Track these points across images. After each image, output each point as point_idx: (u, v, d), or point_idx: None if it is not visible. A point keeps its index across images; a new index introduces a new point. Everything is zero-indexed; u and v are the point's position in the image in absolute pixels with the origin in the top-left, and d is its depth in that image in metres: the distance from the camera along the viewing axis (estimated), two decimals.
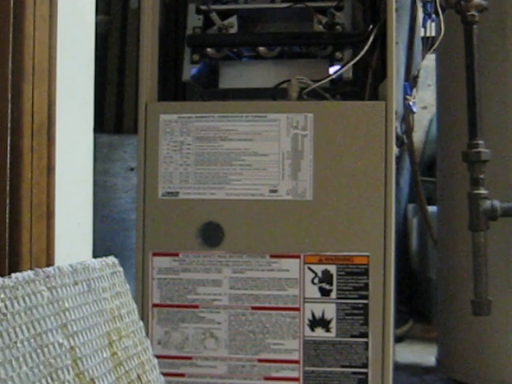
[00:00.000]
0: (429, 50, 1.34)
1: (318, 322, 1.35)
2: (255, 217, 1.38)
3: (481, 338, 1.65)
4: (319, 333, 1.35)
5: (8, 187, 0.93)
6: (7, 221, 0.93)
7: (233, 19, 1.44)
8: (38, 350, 0.81)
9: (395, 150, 1.35)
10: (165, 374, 1.22)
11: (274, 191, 1.38)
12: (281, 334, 1.36)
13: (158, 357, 1.21)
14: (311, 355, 1.35)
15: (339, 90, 1.40)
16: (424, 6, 1.41)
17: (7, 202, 0.93)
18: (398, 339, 2.37)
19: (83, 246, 1.21)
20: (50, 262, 1.00)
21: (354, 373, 1.33)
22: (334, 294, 1.34)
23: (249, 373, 1.36)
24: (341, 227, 1.33)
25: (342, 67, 1.37)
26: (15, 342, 0.77)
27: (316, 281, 1.35)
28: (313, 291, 1.35)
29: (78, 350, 0.89)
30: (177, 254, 1.39)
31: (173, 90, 1.49)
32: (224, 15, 1.45)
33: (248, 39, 1.46)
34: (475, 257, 1.32)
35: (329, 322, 1.34)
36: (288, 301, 1.36)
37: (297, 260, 1.36)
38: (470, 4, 1.40)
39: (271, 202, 1.38)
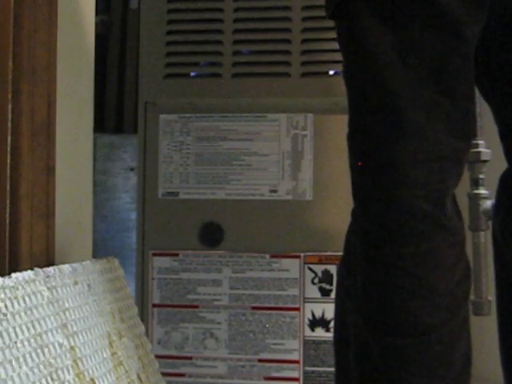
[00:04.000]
0: None
1: (317, 322, 1.35)
2: (255, 217, 1.38)
3: (480, 338, 1.65)
4: (319, 333, 1.35)
5: (8, 187, 0.93)
6: (7, 221, 0.93)
7: None
8: (38, 350, 0.81)
9: None
10: (165, 374, 1.22)
11: (274, 191, 1.38)
12: (281, 334, 1.36)
13: (157, 357, 1.21)
14: (311, 355, 1.35)
15: None
16: None
17: (7, 202, 0.93)
18: None
19: (83, 246, 1.20)
20: (50, 262, 1.00)
21: None
22: (334, 294, 1.34)
23: (249, 373, 1.36)
24: (341, 227, 1.33)
25: None
26: (15, 342, 0.77)
27: (316, 281, 1.36)
28: (313, 291, 1.35)
29: (78, 349, 0.89)
30: (177, 254, 1.39)
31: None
32: None
33: None
34: (475, 257, 1.31)
35: (329, 322, 1.34)
36: (288, 301, 1.36)
37: (297, 260, 1.36)
38: None
39: (271, 201, 1.38)
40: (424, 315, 0.84)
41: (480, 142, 1.34)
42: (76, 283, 0.95)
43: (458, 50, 0.84)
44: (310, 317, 1.35)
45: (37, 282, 0.86)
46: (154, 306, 1.39)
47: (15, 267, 0.92)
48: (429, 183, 0.84)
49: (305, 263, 1.36)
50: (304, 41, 1.39)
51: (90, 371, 0.91)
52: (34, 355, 0.80)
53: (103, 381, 0.93)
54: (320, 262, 1.35)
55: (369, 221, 0.87)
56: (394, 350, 0.84)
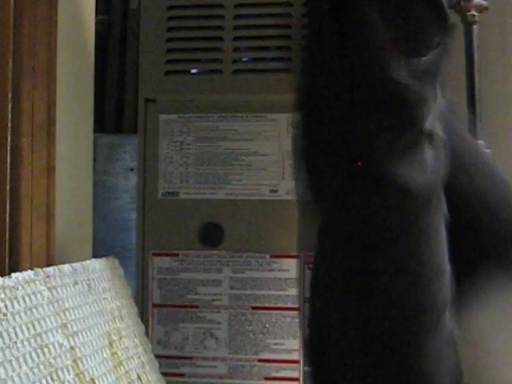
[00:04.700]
0: None
1: None
2: (255, 217, 1.38)
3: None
4: None
5: (8, 187, 0.93)
6: (7, 221, 0.93)
7: None
8: (38, 350, 0.81)
9: None
10: (165, 374, 1.22)
11: (274, 191, 1.38)
12: (281, 333, 1.36)
13: (158, 357, 1.21)
14: None
15: None
16: None
17: (7, 202, 0.93)
18: None
19: (83, 246, 1.21)
20: (50, 262, 1.00)
21: None
22: None
23: (249, 373, 1.36)
24: None
25: None
26: (15, 342, 0.77)
27: None
28: None
29: (78, 349, 0.90)
30: (177, 254, 1.39)
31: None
32: None
33: None
34: None
35: None
36: (288, 301, 1.36)
37: (297, 260, 1.36)
38: (469, 4, 1.40)
39: (271, 201, 1.38)
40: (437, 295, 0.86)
41: (480, 142, 1.34)
42: (76, 283, 0.96)
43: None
44: None
45: (37, 282, 0.86)
46: (154, 305, 1.39)
47: (15, 267, 0.92)
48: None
49: (305, 263, 1.36)
50: (305, 36, 1.39)
51: (90, 371, 0.91)
52: (34, 355, 0.80)
53: (103, 381, 0.93)
54: None
55: (365, 215, 0.87)
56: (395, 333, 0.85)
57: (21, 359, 0.77)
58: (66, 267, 0.95)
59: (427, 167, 0.85)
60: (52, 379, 0.82)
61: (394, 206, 0.84)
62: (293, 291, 1.36)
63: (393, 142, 0.85)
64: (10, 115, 0.93)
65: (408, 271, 0.84)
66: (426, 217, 0.84)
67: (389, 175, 0.84)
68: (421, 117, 0.85)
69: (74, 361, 0.88)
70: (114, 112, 2.13)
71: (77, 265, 0.98)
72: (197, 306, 1.38)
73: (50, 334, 0.85)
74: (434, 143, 0.87)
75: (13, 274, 0.82)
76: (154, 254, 1.40)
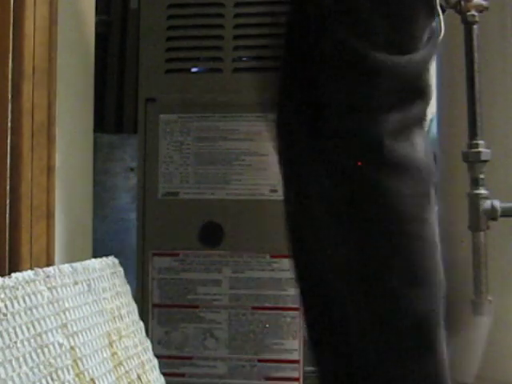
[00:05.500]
0: None
1: None
2: (255, 217, 1.38)
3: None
4: None
5: (8, 187, 0.93)
6: (7, 221, 0.93)
7: None
8: (38, 350, 0.81)
9: None
10: (165, 374, 1.22)
11: (275, 191, 1.38)
12: (281, 334, 1.36)
13: (158, 357, 1.21)
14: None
15: None
16: None
17: (7, 202, 0.93)
18: None
19: (83, 246, 1.21)
20: (49, 262, 1.00)
21: None
22: None
23: (249, 373, 1.36)
24: None
25: None
26: (15, 342, 0.77)
27: None
28: None
29: (78, 349, 0.89)
30: (177, 254, 1.39)
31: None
32: None
33: None
34: (475, 257, 1.31)
35: None
36: (288, 301, 1.36)
37: None
38: (469, 4, 1.40)
39: (271, 201, 1.38)
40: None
41: (480, 142, 1.34)
42: (76, 283, 0.95)
43: None
44: None
45: (37, 282, 0.86)
46: (154, 305, 1.39)
47: (15, 267, 0.92)
48: None
49: None
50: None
51: (90, 371, 0.91)
52: (33, 355, 0.80)
53: (103, 381, 0.93)
54: None
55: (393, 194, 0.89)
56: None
57: (21, 359, 0.77)
58: (66, 267, 0.95)
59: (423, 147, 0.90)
60: (52, 379, 0.82)
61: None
62: (293, 291, 1.36)
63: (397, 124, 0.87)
64: (10, 115, 0.93)
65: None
66: None
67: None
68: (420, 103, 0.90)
69: (74, 361, 0.88)
70: (114, 112, 2.13)
71: (77, 265, 0.98)
72: (197, 306, 1.38)
73: (50, 334, 0.85)
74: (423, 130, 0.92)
75: (13, 274, 0.82)
76: (154, 254, 1.40)
